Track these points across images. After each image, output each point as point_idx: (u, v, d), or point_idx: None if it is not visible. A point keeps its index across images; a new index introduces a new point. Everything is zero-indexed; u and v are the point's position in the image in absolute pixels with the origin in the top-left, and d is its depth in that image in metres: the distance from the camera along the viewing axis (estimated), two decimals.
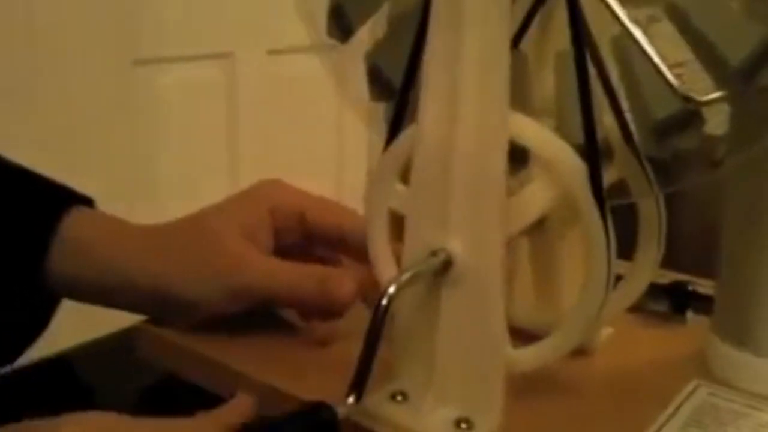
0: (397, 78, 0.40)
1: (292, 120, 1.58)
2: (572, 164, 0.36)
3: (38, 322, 0.47)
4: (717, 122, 0.41)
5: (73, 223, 0.46)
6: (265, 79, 1.54)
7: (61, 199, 0.47)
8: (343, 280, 0.43)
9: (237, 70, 1.50)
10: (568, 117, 0.37)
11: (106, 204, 0.50)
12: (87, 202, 0.49)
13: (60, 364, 0.49)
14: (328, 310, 0.44)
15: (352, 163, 1.60)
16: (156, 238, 0.46)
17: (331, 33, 0.44)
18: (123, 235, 0.47)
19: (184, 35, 1.41)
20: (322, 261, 0.48)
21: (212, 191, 1.57)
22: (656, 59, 0.33)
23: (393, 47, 0.41)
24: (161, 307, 0.45)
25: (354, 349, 0.36)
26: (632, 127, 0.37)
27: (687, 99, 0.32)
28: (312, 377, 0.41)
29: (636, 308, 0.45)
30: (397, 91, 0.40)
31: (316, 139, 1.62)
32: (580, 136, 0.36)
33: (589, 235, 0.36)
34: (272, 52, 1.54)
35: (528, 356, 0.39)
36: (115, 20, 1.30)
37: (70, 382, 0.49)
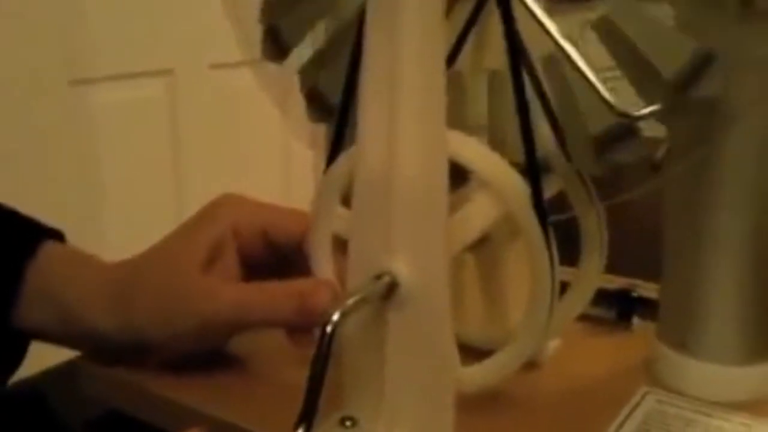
0: (335, 98, 0.40)
1: (238, 136, 1.57)
2: (512, 182, 0.36)
3: (9, 363, 0.45)
4: (655, 124, 0.42)
5: (39, 266, 0.45)
6: (208, 95, 1.53)
7: (29, 238, 0.46)
8: (318, 291, 0.42)
9: (178, 87, 1.49)
10: (503, 134, 0.37)
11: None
12: (55, 234, 0.47)
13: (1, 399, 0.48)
14: (311, 324, 0.42)
15: (299, 178, 1.60)
16: (119, 282, 0.44)
17: (266, 54, 0.43)
18: (88, 279, 0.45)
19: (122, 52, 1.39)
20: (292, 272, 0.47)
21: (158, 213, 1.56)
22: (590, 75, 0.33)
23: (330, 68, 0.41)
24: (130, 352, 0.44)
25: (305, 375, 0.35)
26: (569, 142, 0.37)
27: (623, 115, 0.33)
28: (262, 408, 0.41)
29: (583, 317, 0.45)
30: (336, 112, 0.40)
31: (262, 155, 1.61)
32: (517, 154, 0.36)
33: (531, 251, 0.36)
34: (214, 66, 1.53)
35: (478, 374, 0.39)
36: (49, 39, 1.28)
37: (11, 417, 0.47)
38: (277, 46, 0.43)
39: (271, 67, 0.44)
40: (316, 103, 0.42)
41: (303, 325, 0.42)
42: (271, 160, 1.63)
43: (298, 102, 0.45)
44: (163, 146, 1.48)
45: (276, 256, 0.46)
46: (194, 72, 1.50)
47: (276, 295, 0.42)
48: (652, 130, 0.45)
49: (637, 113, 0.33)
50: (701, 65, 0.34)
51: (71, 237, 0.48)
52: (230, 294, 0.42)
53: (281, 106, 0.47)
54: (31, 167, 1.24)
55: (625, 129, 0.35)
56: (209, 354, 0.45)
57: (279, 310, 0.42)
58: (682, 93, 0.33)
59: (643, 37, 0.35)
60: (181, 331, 0.42)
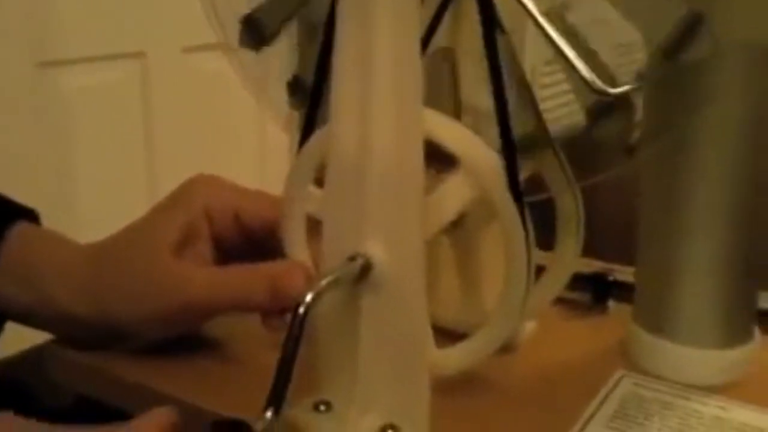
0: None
1: (211, 119, 1.55)
2: (488, 162, 0.36)
3: None
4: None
5: (13, 246, 0.44)
6: (181, 78, 1.51)
7: (2, 218, 0.45)
8: (291, 273, 0.41)
9: (150, 70, 1.47)
10: (482, 113, 0.36)
11: None
12: (29, 214, 0.46)
13: None
14: (284, 308, 0.41)
15: (275, 161, 1.58)
16: (92, 265, 0.43)
17: (243, 42, 0.42)
18: (60, 260, 0.44)
19: (93, 34, 1.36)
20: (267, 256, 0.46)
21: (130, 197, 1.55)
22: (568, 52, 0.33)
23: (311, 56, 0.40)
24: (103, 337, 0.43)
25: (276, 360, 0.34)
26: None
27: (601, 92, 0.32)
28: (231, 392, 0.40)
29: (558, 300, 0.44)
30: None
31: (236, 138, 1.60)
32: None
33: (507, 233, 0.36)
34: (187, 49, 1.51)
35: (453, 358, 0.38)
36: (16, 20, 1.25)
37: None
38: (254, 35, 0.42)
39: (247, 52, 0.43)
40: (298, 91, 0.41)
41: (276, 308, 0.41)
42: (245, 144, 1.62)
43: (272, 85, 0.44)
44: (135, 130, 1.46)
45: (248, 240, 0.46)
46: (167, 55, 1.48)
47: (248, 278, 0.41)
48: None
49: (615, 91, 0.32)
50: (690, 28, 0.33)
51: (44, 223, 0.47)
52: (202, 277, 0.41)
53: (256, 89, 0.46)
54: (0, 151, 1.22)
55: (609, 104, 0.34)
56: (182, 339, 0.44)
57: (251, 294, 0.41)
58: (673, 57, 0.33)
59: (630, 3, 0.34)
60: (151, 315, 0.41)
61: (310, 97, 0.38)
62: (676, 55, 0.33)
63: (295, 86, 0.42)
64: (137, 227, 0.44)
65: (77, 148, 1.36)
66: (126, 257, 0.43)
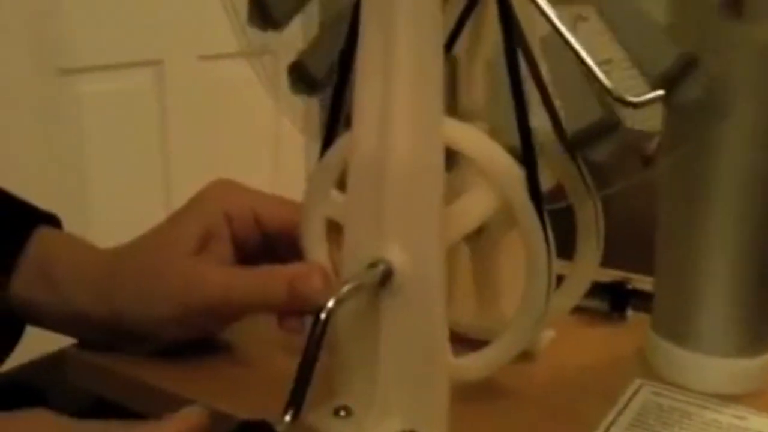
0: (318, 72, 0.40)
1: (227, 127, 1.56)
2: (509, 169, 0.36)
3: (5, 345, 0.45)
4: (646, 118, 0.41)
5: (34, 250, 0.44)
6: (197, 86, 1.52)
7: (27, 221, 0.45)
8: (310, 275, 0.41)
9: (167, 78, 1.48)
10: (500, 122, 0.36)
11: None
12: (51, 220, 0.47)
13: None
14: (302, 310, 0.41)
15: (289, 169, 1.59)
16: (110, 266, 0.44)
17: (252, 21, 0.42)
18: (80, 263, 0.45)
19: (111, 43, 1.38)
20: (286, 260, 0.46)
21: (146, 203, 1.56)
22: (588, 60, 0.33)
23: (318, 44, 0.41)
24: (120, 339, 0.43)
25: (296, 364, 0.35)
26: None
27: (620, 101, 0.32)
28: (249, 395, 0.40)
29: (576, 308, 0.45)
30: (317, 84, 0.40)
31: (251, 146, 1.60)
32: (513, 139, 0.35)
33: (527, 241, 0.36)
34: (203, 57, 1.52)
35: (473, 365, 0.38)
36: (37, 27, 1.27)
37: (4, 405, 0.47)
38: (262, 12, 0.42)
39: (266, 56, 0.44)
40: (299, 75, 0.41)
41: (294, 310, 0.41)
42: (260, 152, 1.62)
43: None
44: (151, 138, 1.47)
45: (268, 242, 0.46)
46: (183, 63, 1.49)
47: (267, 278, 0.41)
48: (644, 124, 0.45)
49: (635, 99, 0.32)
50: (685, 68, 0.34)
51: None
52: (219, 277, 0.41)
53: (274, 92, 0.46)
54: (17, 158, 1.23)
55: (615, 119, 0.34)
56: (201, 342, 0.44)
57: (269, 294, 0.41)
58: (666, 97, 0.33)
59: (631, 35, 0.34)
60: (167, 314, 0.41)
61: (332, 102, 0.38)
62: (668, 97, 0.33)
63: (296, 70, 0.41)
64: (156, 230, 0.45)
65: (94, 155, 1.37)
66: (143, 257, 0.43)
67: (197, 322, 0.42)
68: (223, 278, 0.42)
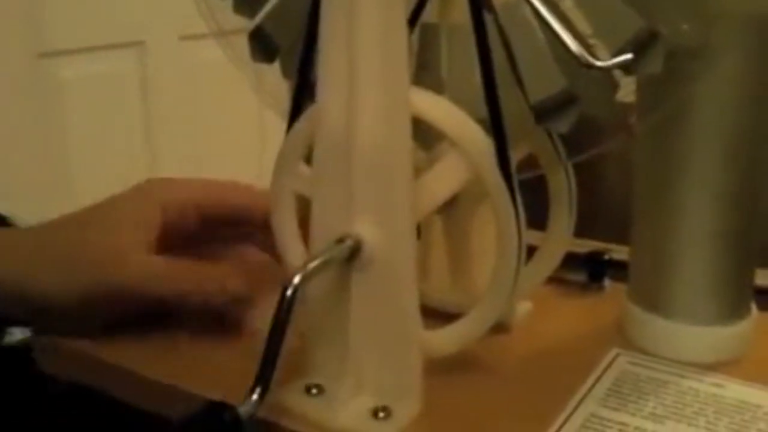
0: (279, 38, 0.39)
1: (210, 107, 1.55)
2: (478, 140, 0.35)
3: None
4: (628, 90, 0.41)
5: None
6: (179, 66, 1.50)
7: None
8: (225, 280, 0.41)
9: (149, 59, 1.46)
10: (464, 91, 0.36)
11: (15, 206, 0.48)
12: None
13: None
14: (209, 304, 0.42)
15: (274, 149, 1.58)
16: (32, 239, 0.43)
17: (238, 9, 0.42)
18: (3, 241, 0.44)
19: (91, 24, 1.36)
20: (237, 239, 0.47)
21: (129, 185, 1.52)
22: (555, 25, 0.32)
23: (279, 10, 0.40)
24: (31, 312, 0.42)
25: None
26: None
27: (588, 65, 0.32)
28: (218, 375, 0.40)
29: (554, 279, 0.44)
30: (278, 51, 0.39)
31: (236, 126, 1.59)
32: (478, 112, 0.35)
33: (497, 212, 0.35)
34: (185, 38, 1.51)
35: (445, 339, 0.38)
36: (16, 11, 1.25)
37: None
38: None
39: (240, 40, 0.43)
40: (259, 42, 0.41)
41: (205, 309, 0.41)
42: (244, 131, 1.61)
43: (269, 71, 0.44)
44: (134, 118, 1.46)
45: (213, 228, 0.46)
46: (165, 44, 1.48)
47: (181, 273, 0.42)
48: (628, 96, 0.45)
49: (601, 64, 0.32)
50: (645, 43, 0.33)
51: (41, 215, 0.46)
52: (136, 263, 0.41)
53: (252, 77, 0.46)
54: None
55: (566, 98, 0.34)
56: (167, 320, 0.44)
57: (182, 290, 0.41)
58: (627, 71, 0.33)
59: (594, 7, 0.34)
60: (78, 288, 0.40)
61: (298, 75, 0.37)
62: (632, 65, 0.33)
63: (257, 37, 0.41)
64: (90, 208, 0.44)
65: (76, 138, 1.36)
66: (68, 231, 0.43)
67: (111, 303, 0.41)
68: (139, 264, 0.41)
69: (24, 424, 0.42)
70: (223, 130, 1.57)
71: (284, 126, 0.40)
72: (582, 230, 0.44)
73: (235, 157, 1.59)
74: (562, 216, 0.41)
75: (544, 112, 0.35)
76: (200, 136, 1.52)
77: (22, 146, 1.26)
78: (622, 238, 0.50)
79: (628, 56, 0.33)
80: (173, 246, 0.44)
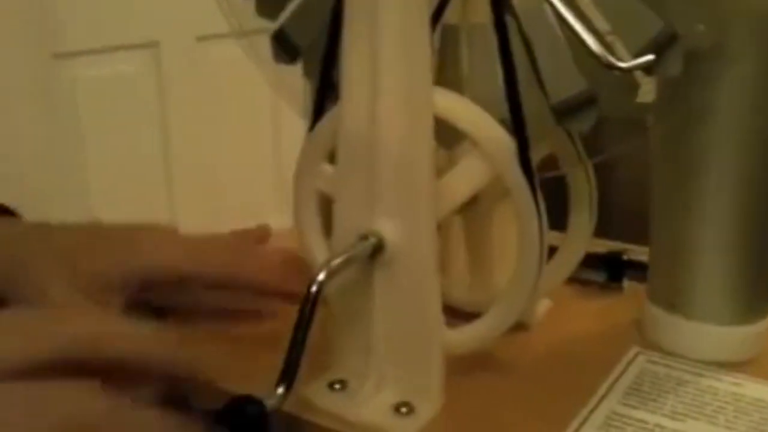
0: (300, 39, 0.40)
1: (226, 108, 1.55)
2: (499, 140, 0.36)
3: None
4: (648, 90, 0.41)
5: None
6: (195, 67, 1.51)
7: None
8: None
9: (164, 60, 1.47)
10: (484, 92, 0.36)
11: (31, 207, 0.48)
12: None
13: None
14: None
15: (290, 149, 1.58)
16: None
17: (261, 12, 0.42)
18: None
19: (106, 25, 1.37)
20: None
21: (145, 187, 1.55)
22: (576, 25, 0.32)
23: (301, 11, 0.40)
24: None
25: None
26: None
27: (609, 66, 0.32)
28: (242, 369, 0.40)
29: (573, 279, 0.44)
30: (300, 53, 0.40)
31: (251, 126, 1.60)
32: (498, 113, 0.35)
33: (519, 211, 0.36)
34: (201, 38, 1.51)
35: (465, 337, 0.38)
36: (32, 11, 1.26)
37: None
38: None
39: (260, 40, 0.43)
40: (281, 44, 0.41)
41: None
42: (260, 132, 1.62)
43: (288, 70, 0.44)
44: (150, 119, 1.46)
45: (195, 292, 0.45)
46: (181, 44, 1.48)
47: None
48: (644, 95, 0.45)
49: (623, 64, 0.32)
50: (665, 45, 0.33)
51: (56, 216, 0.46)
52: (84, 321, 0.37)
53: (271, 75, 0.46)
54: (14, 144, 1.23)
55: (586, 99, 0.34)
56: (189, 313, 0.44)
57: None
58: (648, 72, 0.33)
59: (614, 7, 0.34)
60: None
61: (321, 75, 0.38)
62: (654, 66, 0.33)
63: (278, 39, 0.41)
64: (73, 236, 0.43)
65: (92, 139, 1.37)
66: (43, 272, 0.41)
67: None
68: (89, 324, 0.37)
69: None
70: (239, 131, 1.57)
71: (300, 126, 0.41)
72: (599, 230, 0.44)
73: (250, 157, 1.59)
74: (583, 216, 0.41)
75: (564, 113, 0.35)
76: (216, 136, 1.53)
77: (35, 146, 1.27)
78: (638, 239, 0.51)
79: (650, 57, 0.33)
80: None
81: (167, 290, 0.44)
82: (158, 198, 1.46)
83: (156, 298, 0.43)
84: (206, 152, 1.52)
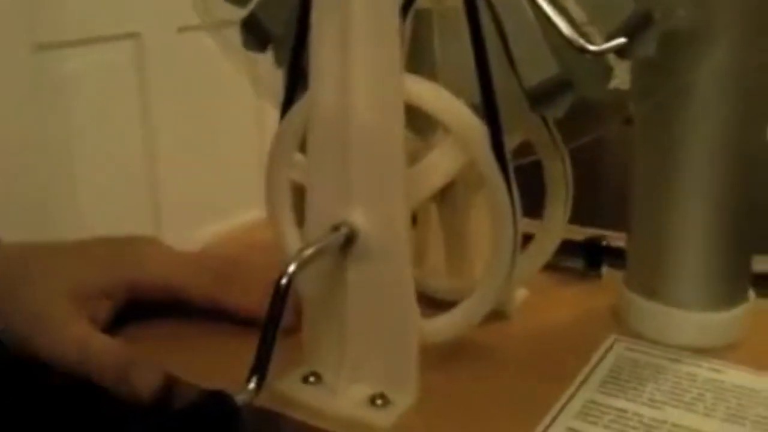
0: (271, 25, 0.39)
1: (208, 99, 1.54)
2: (472, 126, 0.35)
3: None
4: (625, 78, 0.41)
5: None
6: (177, 58, 1.49)
7: None
8: (144, 372, 0.38)
9: (146, 51, 1.45)
10: (457, 77, 0.35)
11: (15, 206, 0.47)
12: None
13: None
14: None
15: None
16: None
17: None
18: None
19: (87, 16, 1.35)
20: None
21: (128, 178, 1.53)
22: (548, 9, 0.32)
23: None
24: None
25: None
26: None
27: (581, 50, 0.31)
28: (213, 364, 0.40)
29: (551, 267, 0.44)
30: (270, 39, 0.39)
31: (234, 117, 1.59)
32: (474, 97, 0.34)
33: (492, 198, 0.35)
34: (183, 29, 1.50)
35: (441, 326, 0.38)
36: (14, 2, 1.24)
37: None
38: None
39: (233, 32, 0.43)
40: (252, 30, 0.40)
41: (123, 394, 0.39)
42: (243, 123, 1.61)
43: (263, 61, 0.43)
44: (132, 111, 1.45)
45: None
46: (162, 35, 1.47)
47: (101, 355, 0.39)
48: (625, 83, 0.44)
49: (594, 48, 0.32)
50: (639, 27, 0.33)
51: (40, 209, 0.46)
52: (67, 335, 0.40)
53: (245, 68, 0.45)
54: None
55: (560, 83, 0.34)
56: (168, 309, 0.44)
57: (98, 372, 0.39)
58: (622, 54, 0.33)
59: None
60: (32, 349, 0.40)
61: (290, 63, 0.37)
62: (626, 50, 0.33)
63: (250, 25, 0.40)
64: (54, 259, 0.43)
65: (74, 130, 1.36)
66: (29, 285, 0.41)
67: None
68: (73, 337, 0.40)
69: (20, 415, 0.42)
70: (222, 122, 1.56)
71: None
72: (578, 217, 0.44)
73: (233, 149, 1.59)
74: (559, 202, 0.41)
75: (537, 98, 0.35)
76: (199, 127, 1.52)
77: (19, 137, 1.26)
78: (617, 225, 0.50)
79: (622, 40, 0.33)
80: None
81: (154, 301, 0.44)
82: (141, 187, 1.46)
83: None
84: (189, 143, 1.51)
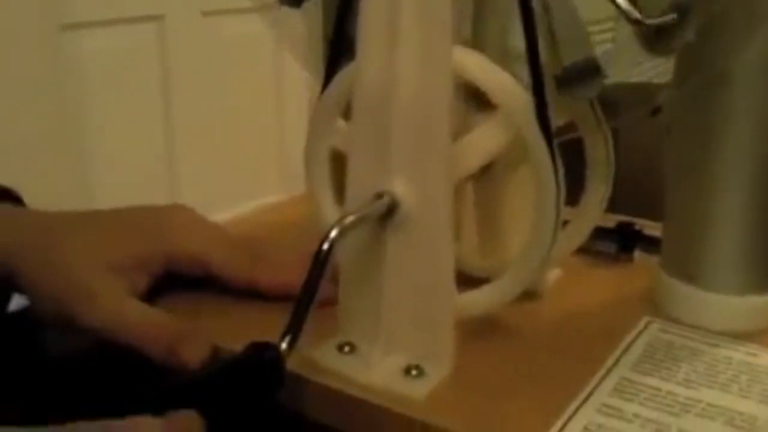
0: None
1: (230, 83, 1.54)
2: (519, 98, 0.35)
3: None
4: (658, 71, 0.40)
5: None
6: (199, 41, 1.50)
7: None
8: (193, 340, 0.38)
9: (169, 34, 1.46)
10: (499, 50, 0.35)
11: (33, 180, 0.47)
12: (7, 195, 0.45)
13: None
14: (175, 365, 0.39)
15: (293, 124, 1.57)
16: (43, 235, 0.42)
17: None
18: (16, 226, 0.43)
19: None
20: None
21: (148, 160, 1.54)
22: None
23: None
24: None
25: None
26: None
27: (636, 22, 0.31)
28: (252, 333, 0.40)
29: (583, 250, 0.44)
30: None
31: (254, 102, 1.59)
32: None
33: (537, 173, 0.35)
34: (207, 13, 1.50)
35: (477, 300, 0.37)
36: None
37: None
38: None
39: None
40: None
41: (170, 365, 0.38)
42: (263, 108, 1.61)
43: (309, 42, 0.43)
44: (153, 93, 1.46)
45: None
46: (186, 18, 1.48)
47: (150, 328, 0.39)
48: (658, 77, 0.44)
49: (649, 21, 0.31)
50: (680, 14, 0.33)
51: (60, 189, 0.46)
52: (109, 303, 0.39)
53: (292, 47, 0.45)
54: (18, 115, 1.22)
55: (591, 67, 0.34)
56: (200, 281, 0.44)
57: (146, 344, 0.38)
58: (666, 40, 0.33)
59: None
60: (46, 301, 0.40)
61: (335, 30, 0.37)
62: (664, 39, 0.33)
63: None
64: (95, 227, 0.43)
65: (95, 111, 1.36)
66: (66, 254, 0.41)
67: (75, 327, 0.40)
68: (112, 306, 0.39)
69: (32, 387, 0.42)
70: (242, 106, 1.57)
71: (304, 101, 0.40)
72: (610, 205, 0.43)
73: (253, 132, 1.59)
74: (599, 183, 0.41)
75: (567, 79, 0.34)
76: (219, 111, 1.52)
77: (41, 117, 1.26)
78: (648, 213, 0.50)
79: (673, 15, 0.33)
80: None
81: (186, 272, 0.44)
82: (160, 170, 1.46)
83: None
84: (209, 126, 1.52)
